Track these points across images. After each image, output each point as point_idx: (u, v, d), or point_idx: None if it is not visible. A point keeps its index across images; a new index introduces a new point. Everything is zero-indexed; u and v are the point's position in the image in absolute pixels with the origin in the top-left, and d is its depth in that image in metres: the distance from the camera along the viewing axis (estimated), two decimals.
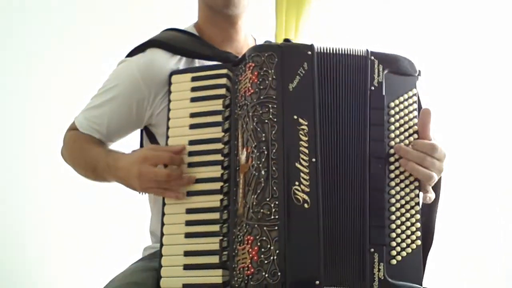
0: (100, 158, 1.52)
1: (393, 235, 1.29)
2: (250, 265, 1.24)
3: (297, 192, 1.26)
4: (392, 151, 1.33)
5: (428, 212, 1.41)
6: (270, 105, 1.30)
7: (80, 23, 2.79)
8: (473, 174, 2.86)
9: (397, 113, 1.35)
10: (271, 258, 1.22)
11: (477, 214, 2.83)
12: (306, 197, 1.26)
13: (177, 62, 1.55)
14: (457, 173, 2.72)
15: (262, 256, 1.23)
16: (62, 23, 2.73)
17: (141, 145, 1.65)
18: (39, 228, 2.63)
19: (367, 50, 1.36)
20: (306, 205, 1.26)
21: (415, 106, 1.37)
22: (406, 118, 1.36)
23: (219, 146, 1.39)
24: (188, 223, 1.38)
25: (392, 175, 1.32)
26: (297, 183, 1.26)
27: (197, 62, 1.57)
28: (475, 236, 2.83)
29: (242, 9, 1.59)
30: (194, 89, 1.45)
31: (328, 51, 1.35)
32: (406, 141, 1.34)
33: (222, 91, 1.42)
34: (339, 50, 1.36)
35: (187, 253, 1.36)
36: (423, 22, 3.03)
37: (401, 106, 1.36)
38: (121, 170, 1.45)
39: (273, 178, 1.26)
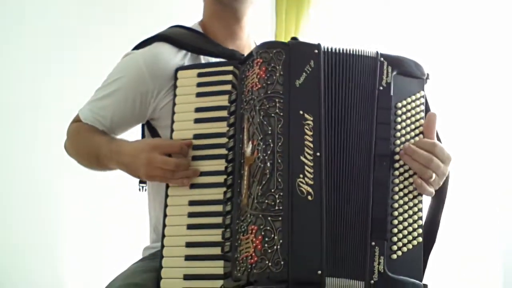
0: (103, 145, 1.52)
1: (395, 230, 1.32)
2: (253, 254, 1.25)
3: (301, 184, 1.28)
4: (397, 149, 1.36)
5: (433, 213, 1.43)
6: (277, 100, 1.33)
7: (82, 21, 2.80)
8: (473, 174, 2.87)
9: (404, 113, 1.39)
10: (275, 247, 1.24)
11: (477, 214, 2.83)
12: (310, 190, 1.28)
13: (183, 57, 1.57)
14: (457, 173, 2.72)
15: (266, 245, 1.25)
16: (62, 23, 2.74)
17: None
18: (39, 228, 2.63)
19: (377, 52, 1.41)
20: (309, 197, 1.28)
21: (422, 108, 1.41)
22: (413, 119, 1.39)
23: (223, 140, 1.41)
24: (191, 214, 1.40)
25: (397, 173, 1.35)
26: (301, 175, 1.29)
27: (202, 59, 1.60)
28: (475, 236, 2.84)
29: (249, 3, 1.63)
30: (200, 85, 1.47)
31: (335, 50, 1.39)
32: (412, 141, 1.37)
33: (228, 87, 1.45)
34: (347, 51, 1.39)
35: (189, 244, 1.38)
36: (423, 22, 3.05)
37: (408, 107, 1.39)
38: (125, 156, 1.46)
39: (278, 170, 1.29)
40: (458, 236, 2.85)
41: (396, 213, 1.32)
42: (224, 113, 1.43)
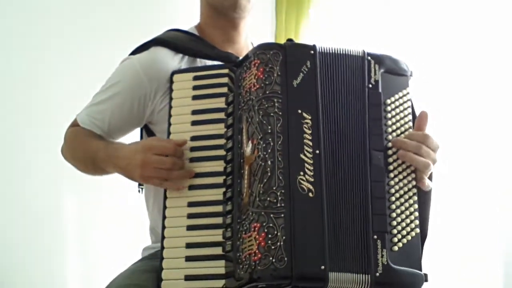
0: (100, 149, 1.53)
1: (394, 223, 1.34)
2: (257, 251, 1.26)
3: (302, 181, 1.30)
4: (390, 144, 1.40)
5: (423, 203, 1.44)
6: (275, 100, 1.35)
7: (79, 24, 2.79)
8: (473, 174, 2.87)
9: (393, 109, 1.43)
10: (278, 244, 1.25)
11: (477, 214, 2.84)
12: (310, 186, 1.30)
13: (180, 60, 1.59)
14: (457, 173, 2.74)
15: (269, 242, 1.25)
16: (61, 23, 2.74)
17: None
18: (39, 228, 2.62)
19: (363, 51, 1.45)
20: (310, 194, 1.30)
21: (410, 103, 1.46)
22: (402, 115, 1.43)
23: (221, 141, 1.43)
24: (190, 216, 1.40)
25: (391, 167, 1.38)
26: (301, 173, 1.30)
27: (199, 62, 1.61)
28: (475, 236, 2.84)
29: (247, 13, 1.65)
30: (196, 88, 1.49)
31: (328, 51, 1.42)
32: (402, 136, 1.41)
33: (224, 89, 1.47)
34: (338, 50, 1.43)
35: (189, 245, 1.38)
36: (423, 22, 3.06)
37: (396, 103, 1.44)
38: (122, 159, 1.46)
39: (279, 168, 1.30)
40: (458, 236, 2.86)
41: (393, 206, 1.35)
42: (221, 115, 1.45)
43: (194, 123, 1.46)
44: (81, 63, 2.72)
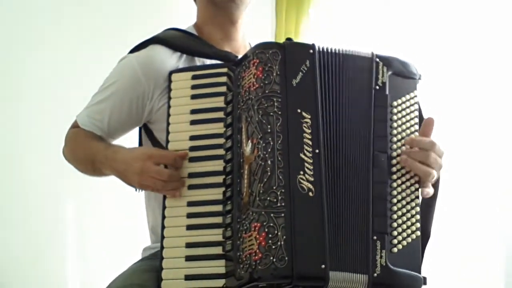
0: (99, 151, 1.53)
1: (394, 225, 1.34)
2: (257, 250, 1.26)
3: (302, 181, 1.30)
4: (394, 146, 1.39)
5: (426, 208, 1.45)
6: (274, 99, 1.35)
7: (79, 24, 2.79)
8: (473, 174, 2.87)
9: (399, 112, 1.42)
10: (279, 243, 1.25)
11: (477, 214, 2.84)
12: (310, 186, 1.30)
13: (178, 59, 1.59)
14: (457, 173, 2.74)
15: (269, 241, 1.25)
16: (61, 23, 2.73)
17: (140, 143, 1.66)
18: (38, 228, 2.62)
19: (372, 53, 1.45)
20: (310, 194, 1.30)
21: (416, 107, 1.45)
22: (408, 118, 1.43)
23: (220, 141, 1.43)
24: (190, 215, 1.40)
25: (394, 169, 1.38)
26: (301, 172, 1.30)
27: (197, 61, 1.61)
28: (475, 236, 2.84)
29: (245, 6, 1.65)
30: (194, 87, 1.49)
31: (330, 50, 1.42)
32: (408, 139, 1.40)
33: (223, 88, 1.47)
34: (342, 51, 1.43)
35: (189, 245, 1.38)
36: (423, 22, 3.06)
37: (403, 106, 1.43)
38: (120, 163, 1.46)
39: (279, 168, 1.30)
40: (458, 236, 2.86)
41: (395, 207, 1.35)
42: (220, 114, 1.45)
43: (193, 122, 1.46)
44: (81, 63, 2.71)
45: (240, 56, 1.51)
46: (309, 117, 1.34)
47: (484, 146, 2.88)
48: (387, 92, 1.41)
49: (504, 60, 2.88)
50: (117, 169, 1.47)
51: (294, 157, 1.31)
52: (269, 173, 1.30)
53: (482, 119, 2.89)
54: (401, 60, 1.47)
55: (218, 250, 1.35)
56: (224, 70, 1.48)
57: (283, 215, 1.27)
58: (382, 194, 1.35)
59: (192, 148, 1.43)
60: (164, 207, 1.42)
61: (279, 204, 1.28)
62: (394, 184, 1.36)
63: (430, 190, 1.41)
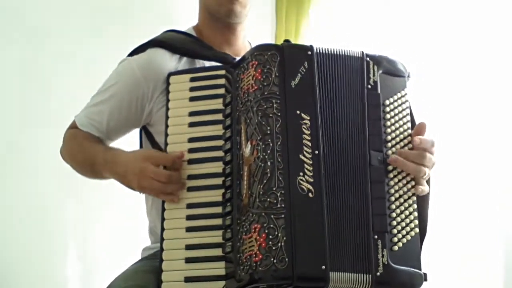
0: (98, 153, 1.54)
1: (394, 223, 1.35)
2: (258, 252, 1.26)
3: (301, 182, 1.30)
4: (389, 145, 1.40)
5: (422, 204, 1.45)
6: (274, 101, 1.36)
7: (79, 24, 2.79)
8: (473, 173, 2.87)
9: (392, 110, 1.43)
10: (279, 244, 1.25)
11: (477, 212, 2.84)
12: (310, 187, 1.31)
13: (178, 61, 1.59)
14: (457, 172, 2.74)
15: (270, 242, 1.26)
16: (61, 23, 2.73)
17: (141, 145, 1.67)
18: (38, 228, 2.62)
19: (362, 52, 1.46)
20: (310, 194, 1.30)
21: (408, 104, 1.46)
22: (400, 115, 1.44)
23: (219, 142, 1.43)
24: (189, 217, 1.40)
25: (390, 167, 1.39)
26: (301, 173, 1.31)
27: (197, 63, 1.61)
28: (475, 235, 2.84)
29: (243, 18, 1.66)
30: (192, 89, 1.49)
31: (326, 51, 1.43)
32: (401, 136, 1.42)
33: (221, 90, 1.47)
34: (336, 51, 1.44)
35: (188, 247, 1.38)
36: (423, 22, 3.05)
37: (395, 104, 1.45)
38: (119, 166, 1.47)
39: (279, 169, 1.31)
40: (458, 234, 2.86)
41: (393, 206, 1.36)
42: (218, 116, 1.45)
43: (192, 124, 1.46)
44: (81, 63, 2.71)
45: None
46: (308, 118, 1.35)
47: (484, 144, 2.87)
48: (379, 91, 1.43)
49: (505, 59, 2.88)
50: (117, 171, 1.48)
51: (294, 158, 1.31)
52: (268, 175, 1.30)
53: (482, 118, 2.89)
54: (389, 58, 1.48)
55: (218, 252, 1.35)
56: (222, 72, 1.48)
57: (283, 216, 1.27)
58: (380, 193, 1.35)
59: (191, 150, 1.44)
60: (163, 209, 1.42)
61: (279, 205, 1.28)
62: (391, 183, 1.37)
63: (425, 188, 1.41)
